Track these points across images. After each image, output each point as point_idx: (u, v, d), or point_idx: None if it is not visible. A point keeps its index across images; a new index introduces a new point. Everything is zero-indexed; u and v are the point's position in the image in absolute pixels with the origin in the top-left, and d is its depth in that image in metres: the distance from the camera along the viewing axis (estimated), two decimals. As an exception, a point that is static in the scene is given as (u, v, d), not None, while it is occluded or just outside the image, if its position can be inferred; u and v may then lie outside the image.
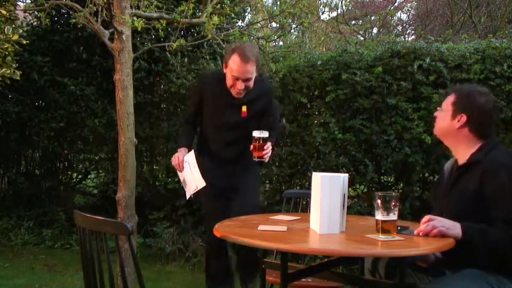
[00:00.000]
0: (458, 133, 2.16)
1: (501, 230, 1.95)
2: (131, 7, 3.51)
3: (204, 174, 2.93)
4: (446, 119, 2.18)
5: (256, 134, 2.75)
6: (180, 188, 4.92)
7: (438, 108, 2.26)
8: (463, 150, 2.17)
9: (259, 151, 2.75)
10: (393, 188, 4.30)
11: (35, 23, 5.84)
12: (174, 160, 3.01)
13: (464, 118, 2.13)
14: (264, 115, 3.08)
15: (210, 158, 3.10)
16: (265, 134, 2.74)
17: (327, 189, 1.94)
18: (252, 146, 2.76)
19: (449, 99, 2.20)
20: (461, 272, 2.05)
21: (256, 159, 2.78)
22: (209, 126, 3.10)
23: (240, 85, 2.85)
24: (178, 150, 3.07)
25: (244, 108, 2.99)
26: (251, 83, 2.89)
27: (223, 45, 4.25)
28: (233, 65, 2.82)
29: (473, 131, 2.14)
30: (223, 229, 1.99)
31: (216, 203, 3.06)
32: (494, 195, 2.00)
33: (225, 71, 2.92)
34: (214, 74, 3.16)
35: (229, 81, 2.89)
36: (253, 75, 2.87)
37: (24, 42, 3.94)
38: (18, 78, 3.85)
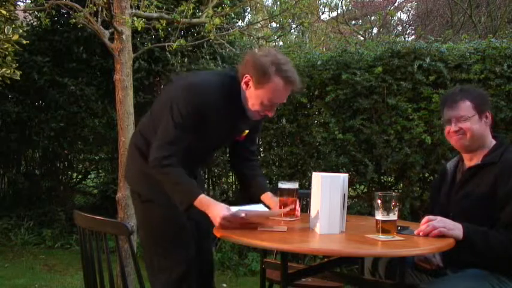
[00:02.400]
0: (486, 132, 2.19)
1: (502, 234, 1.95)
2: (131, 7, 3.52)
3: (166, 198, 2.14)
4: (476, 124, 2.16)
5: (285, 185, 2.18)
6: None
7: (458, 121, 2.17)
8: (481, 151, 2.17)
9: (291, 207, 2.19)
10: (393, 188, 4.30)
11: (35, 23, 5.85)
12: (226, 225, 1.97)
13: (489, 114, 2.18)
14: (252, 131, 2.43)
15: None
16: (295, 185, 2.19)
17: (327, 189, 1.94)
18: (280, 202, 2.19)
19: (467, 105, 2.16)
20: (463, 272, 2.06)
21: (288, 219, 2.16)
22: (192, 147, 2.19)
23: (274, 112, 2.18)
24: (205, 204, 2.04)
25: (245, 133, 2.35)
26: None
27: (226, 46, 4.23)
28: (274, 91, 2.09)
29: (490, 126, 2.19)
30: (223, 229, 1.98)
31: (183, 229, 2.25)
32: (505, 197, 2.00)
33: (246, 89, 2.15)
34: (219, 89, 2.17)
35: (256, 107, 2.13)
36: None
37: (24, 42, 3.94)
38: (18, 78, 3.85)
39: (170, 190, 2.13)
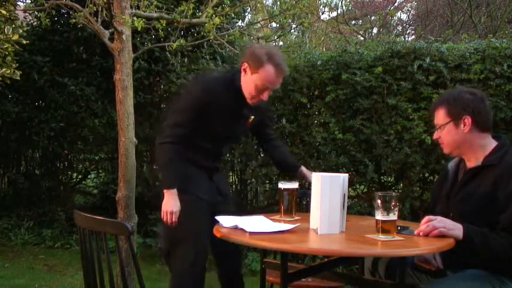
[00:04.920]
0: (470, 137, 2.12)
1: (502, 237, 1.94)
2: (131, 7, 3.51)
3: (190, 187, 2.57)
4: (452, 131, 2.13)
5: (285, 185, 2.25)
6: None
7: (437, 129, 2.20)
8: (477, 153, 2.13)
9: (291, 207, 2.26)
10: (393, 188, 4.30)
11: (35, 23, 5.84)
12: (168, 216, 2.48)
13: (469, 119, 2.10)
14: (263, 120, 2.84)
15: (194, 169, 2.62)
16: (295, 184, 2.26)
17: (327, 189, 1.94)
18: (281, 202, 2.27)
19: (441, 113, 2.15)
20: (463, 273, 2.05)
21: (288, 219, 2.21)
22: (203, 136, 2.60)
23: (267, 95, 2.52)
24: (171, 194, 2.49)
25: (251, 119, 2.68)
26: None
27: (226, 46, 4.23)
28: (267, 76, 2.44)
29: (480, 128, 2.12)
30: (223, 229, 1.99)
31: (205, 220, 2.47)
32: (505, 200, 1.98)
33: (244, 76, 2.51)
34: (223, 80, 2.60)
35: (251, 90, 2.49)
36: None
37: (24, 42, 3.94)
38: (18, 78, 3.84)
39: (160, 166, 2.62)
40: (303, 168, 2.79)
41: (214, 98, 2.50)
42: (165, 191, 2.50)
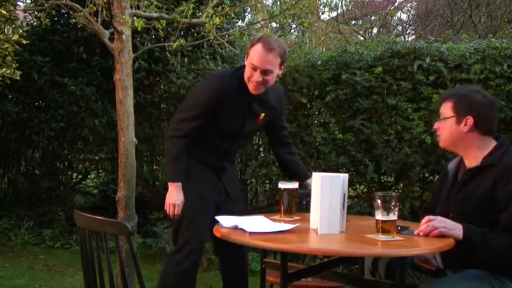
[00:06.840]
0: (468, 137, 2.12)
1: (502, 236, 1.94)
2: (131, 7, 3.51)
3: (195, 184, 2.60)
4: (452, 127, 2.13)
5: (285, 185, 2.22)
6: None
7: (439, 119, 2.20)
8: (475, 153, 2.13)
9: (291, 207, 2.24)
10: (393, 188, 4.30)
11: (35, 23, 5.85)
12: (170, 208, 2.57)
13: (471, 120, 2.09)
14: (274, 121, 2.80)
15: (200, 167, 2.66)
16: (295, 185, 2.25)
17: (327, 189, 1.94)
18: (281, 202, 2.25)
19: (448, 106, 2.15)
20: (463, 273, 2.05)
21: (288, 219, 2.20)
22: (213, 133, 2.62)
23: (258, 77, 2.46)
24: (175, 187, 2.57)
25: (261, 116, 2.66)
26: (270, 79, 2.50)
27: (226, 46, 4.23)
28: (254, 53, 2.46)
29: (481, 130, 2.11)
30: (223, 229, 1.99)
31: (207, 215, 2.54)
32: (505, 200, 1.98)
33: (246, 63, 2.54)
34: (234, 75, 2.60)
35: (246, 73, 2.51)
36: (275, 71, 2.50)
37: (24, 42, 3.93)
38: (18, 78, 3.84)
39: (167, 159, 2.67)
40: (309, 180, 2.72)
41: (225, 94, 2.52)
42: (169, 183, 2.58)
